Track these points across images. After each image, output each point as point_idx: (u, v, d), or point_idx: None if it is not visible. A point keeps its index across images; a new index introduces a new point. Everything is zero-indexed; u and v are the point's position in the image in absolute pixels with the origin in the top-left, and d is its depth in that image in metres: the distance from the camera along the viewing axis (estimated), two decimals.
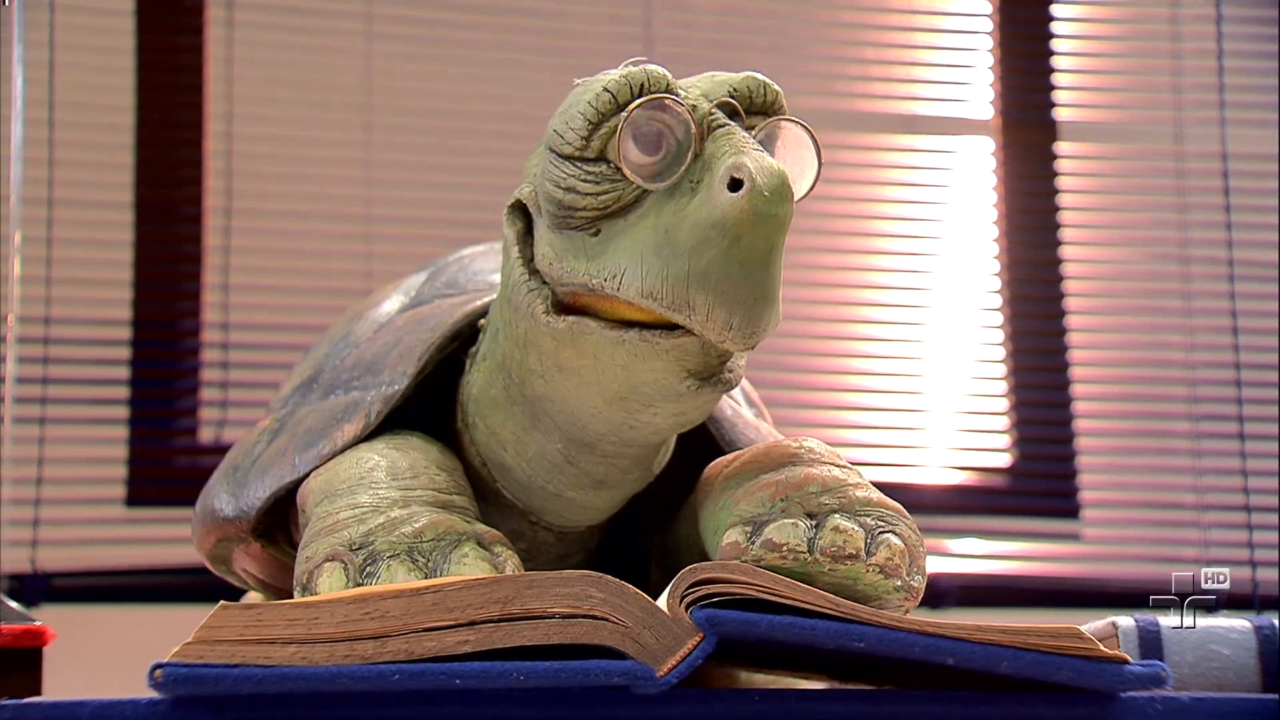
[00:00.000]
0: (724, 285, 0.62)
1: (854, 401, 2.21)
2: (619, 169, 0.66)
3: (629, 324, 0.66)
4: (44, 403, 1.99)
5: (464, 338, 0.81)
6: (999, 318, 2.25)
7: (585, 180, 0.67)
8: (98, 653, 1.38)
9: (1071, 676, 0.61)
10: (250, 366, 2.04)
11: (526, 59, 2.15)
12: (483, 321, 0.79)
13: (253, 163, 2.10)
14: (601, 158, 0.67)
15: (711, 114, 0.66)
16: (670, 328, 0.65)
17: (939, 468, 2.19)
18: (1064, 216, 2.30)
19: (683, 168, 0.65)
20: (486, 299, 0.82)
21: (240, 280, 2.07)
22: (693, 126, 0.65)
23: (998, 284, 2.26)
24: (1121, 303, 2.29)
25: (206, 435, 2.05)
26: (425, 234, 2.07)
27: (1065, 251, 2.29)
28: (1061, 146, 2.31)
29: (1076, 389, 2.25)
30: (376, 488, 0.72)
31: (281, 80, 2.12)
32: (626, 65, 0.69)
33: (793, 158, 0.68)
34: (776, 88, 0.69)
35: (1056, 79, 2.34)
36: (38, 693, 0.72)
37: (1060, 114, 2.33)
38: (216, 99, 2.10)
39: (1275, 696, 0.68)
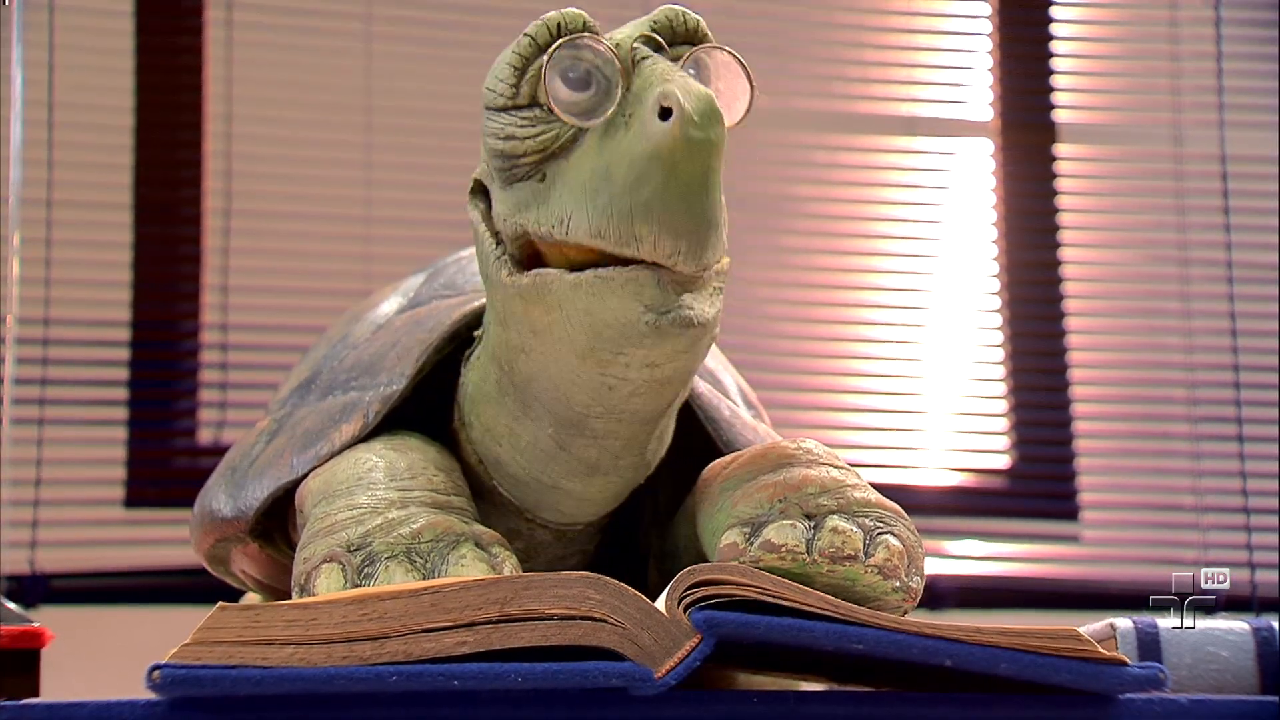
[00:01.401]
0: (666, 215, 0.63)
1: (853, 403, 2.21)
2: (551, 110, 0.67)
3: (584, 266, 0.66)
4: (43, 404, 1.99)
5: (461, 339, 0.81)
6: (998, 319, 2.25)
7: (522, 125, 0.69)
8: (96, 654, 1.38)
9: (1070, 678, 0.61)
10: (249, 367, 2.04)
11: None
12: (476, 333, 0.79)
13: (252, 164, 2.10)
14: (534, 103, 0.69)
15: (634, 48, 0.67)
16: (623, 263, 0.65)
17: (938, 469, 2.19)
18: (1063, 218, 2.30)
19: (614, 104, 0.66)
20: (484, 300, 0.82)
21: (239, 281, 2.07)
22: (617, 62, 0.66)
23: (997, 285, 2.26)
24: (1120, 304, 2.29)
25: (205, 436, 2.05)
26: (424, 235, 2.07)
27: (1064, 253, 2.29)
28: (1061, 148, 2.32)
29: (1075, 391, 2.25)
30: (374, 489, 0.71)
31: (281, 81, 2.13)
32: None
33: (725, 85, 0.69)
34: (696, 16, 0.70)
35: (1056, 81, 2.34)
36: (36, 694, 0.72)
37: (1059, 116, 2.33)
38: (216, 100, 2.10)
39: (1273, 698, 0.68)
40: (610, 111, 0.66)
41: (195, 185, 2.09)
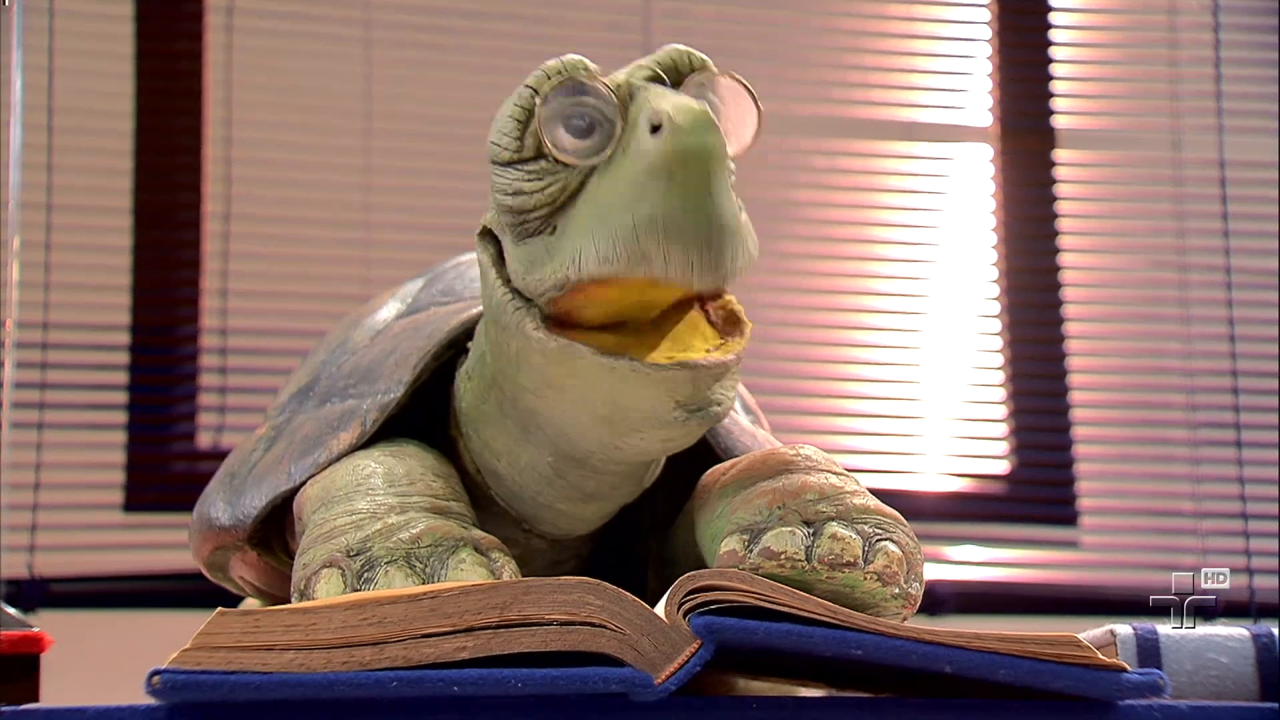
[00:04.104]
0: (671, 226, 0.62)
1: (852, 408, 2.21)
2: (556, 159, 0.66)
3: (619, 348, 0.66)
4: (42, 408, 1.99)
5: (460, 345, 0.81)
6: (997, 324, 2.25)
7: (529, 179, 0.68)
8: (96, 659, 1.38)
9: (1069, 684, 0.61)
10: (248, 372, 2.04)
11: (525, 66, 2.13)
12: (470, 344, 0.79)
13: (251, 168, 2.10)
14: (539, 154, 0.68)
15: (632, 85, 0.66)
16: (661, 362, 0.65)
17: (937, 474, 2.19)
18: (1062, 224, 2.30)
19: (615, 141, 0.65)
20: (482, 306, 0.82)
21: (238, 286, 2.07)
22: (614, 99, 0.65)
23: (996, 290, 2.26)
24: (1119, 310, 2.29)
25: (204, 440, 2.05)
26: (423, 240, 2.07)
27: (1063, 258, 2.29)
28: (1060, 154, 2.32)
29: (1075, 396, 2.25)
30: (373, 494, 0.71)
31: (280, 86, 2.13)
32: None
33: (732, 111, 0.69)
34: (702, 55, 0.69)
35: (1055, 86, 2.34)
36: (35, 699, 0.72)
37: (1059, 121, 2.33)
38: (215, 104, 2.10)
39: (1273, 705, 0.68)
40: (612, 148, 0.65)
41: (194, 189, 2.09)
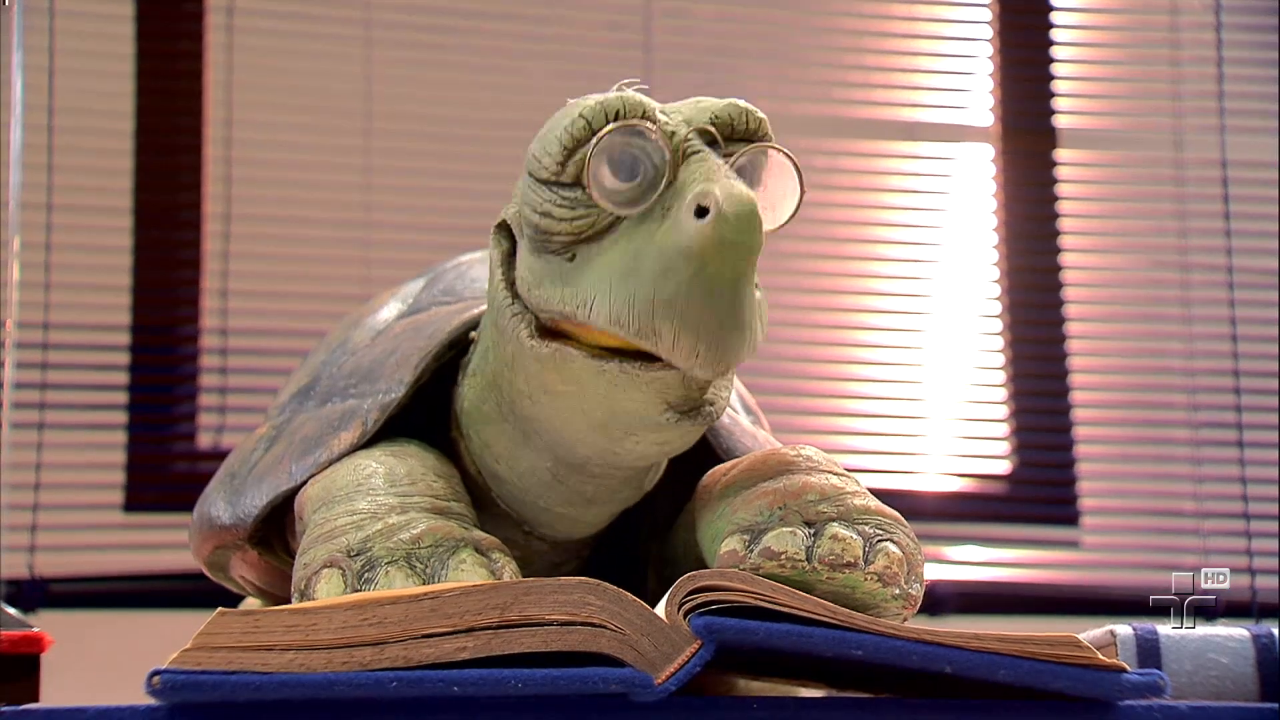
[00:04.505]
0: (689, 313, 0.62)
1: (853, 408, 2.21)
2: (592, 196, 0.66)
3: (610, 353, 0.66)
4: (42, 408, 1.99)
5: (461, 345, 0.81)
6: (998, 324, 2.25)
7: (560, 205, 0.67)
8: (96, 659, 1.38)
9: (1069, 685, 0.61)
10: (249, 372, 2.04)
11: (526, 66, 2.15)
12: (473, 334, 0.79)
13: (252, 168, 2.10)
14: (577, 183, 0.67)
15: (688, 140, 0.66)
16: (650, 359, 0.65)
17: (938, 474, 2.19)
18: (1064, 224, 2.30)
19: (656, 194, 0.65)
20: (483, 307, 0.82)
21: (239, 286, 2.07)
22: (667, 153, 0.65)
23: (997, 290, 2.26)
24: (1121, 310, 2.29)
25: (205, 441, 2.05)
26: (424, 240, 2.07)
27: (1065, 258, 2.29)
28: (1061, 154, 2.32)
29: (1076, 396, 2.25)
30: (374, 494, 0.71)
31: (281, 86, 2.13)
32: (619, 88, 0.70)
33: (774, 185, 0.69)
34: (760, 115, 0.69)
35: (1056, 86, 2.34)
36: (36, 699, 0.72)
37: (1060, 121, 2.33)
38: (216, 104, 2.10)
39: (1273, 705, 0.68)
40: (651, 202, 0.65)
41: (195, 189, 2.09)
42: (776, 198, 0.68)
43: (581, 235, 0.67)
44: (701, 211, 0.61)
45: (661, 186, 0.65)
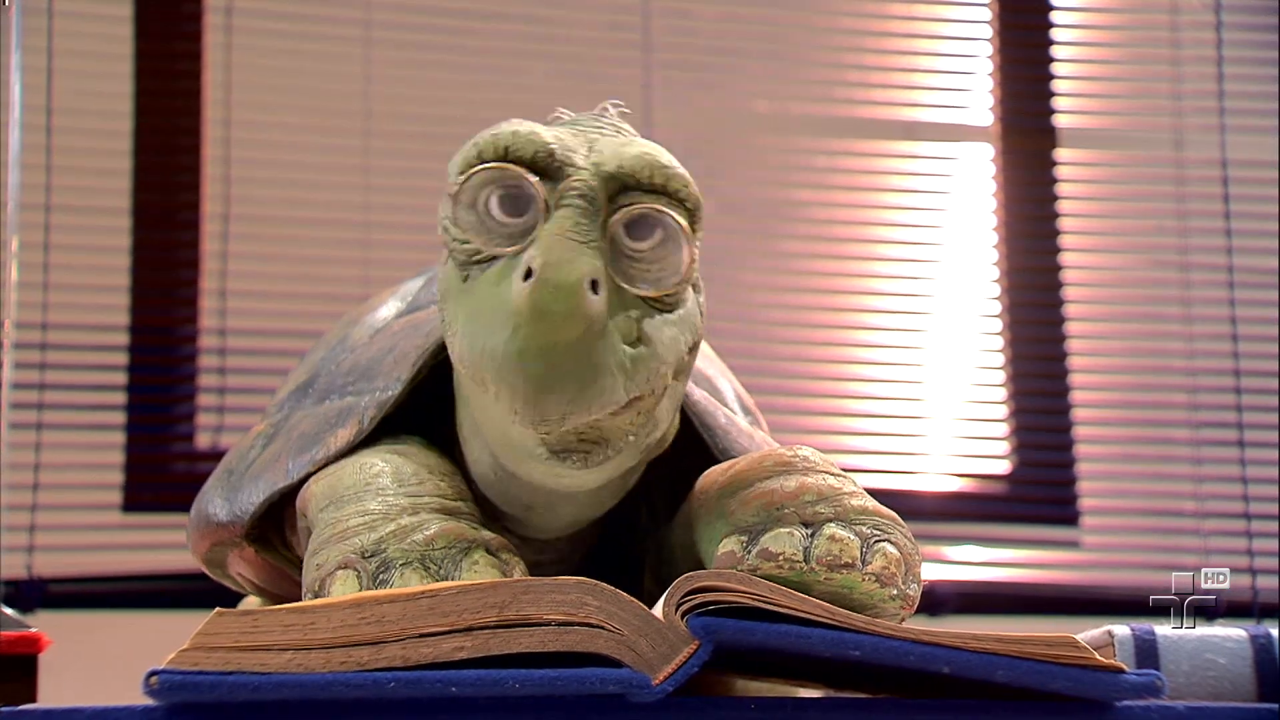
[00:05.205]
0: (504, 370, 0.63)
1: (852, 408, 2.21)
2: (483, 222, 0.67)
3: None
4: (41, 408, 1.98)
5: None
6: (998, 324, 2.25)
7: (455, 224, 0.68)
8: (94, 659, 1.38)
9: (1067, 685, 0.61)
10: (247, 372, 2.04)
11: (525, 66, 2.15)
12: None
13: (250, 169, 2.10)
14: (472, 206, 0.68)
15: (571, 187, 0.66)
16: None
17: (937, 474, 2.19)
18: (1064, 223, 2.30)
19: (532, 238, 0.65)
20: None
21: (237, 286, 2.07)
22: (540, 199, 0.66)
23: (997, 290, 2.26)
24: (1121, 309, 2.29)
25: (203, 441, 2.05)
26: (422, 240, 2.06)
27: (1065, 258, 2.28)
28: (1061, 153, 2.31)
29: (1076, 396, 2.25)
30: (384, 494, 0.72)
31: (280, 86, 2.13)
32: (601, 109, 0.72)
33: (667, 247, 0.68)
34: (671, 172, 0.68)
35: (1056, 86, 2.34)
36: (33, 700, 0.72)
37: (1060, 121, 2.33)
38: (214, 105, 2.10)
39: (1271, 705, 0.68)
40: (521, 246, 0.65)
41: (193, 190, 2.09)
42: (667, 263, 0.68)
43: (473, 258, 0.67)
44: (529, 274, 0.62)
45: (536, 231, 0.65)
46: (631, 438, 0.69)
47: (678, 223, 0.68)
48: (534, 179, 0.66)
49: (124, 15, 2.10)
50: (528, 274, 0.62)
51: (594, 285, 0.63)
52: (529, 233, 0.66)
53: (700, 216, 0.69)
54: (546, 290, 0.61)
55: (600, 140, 0.69)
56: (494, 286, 0.65)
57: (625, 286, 0.66)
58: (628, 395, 0.65)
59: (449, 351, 0.68)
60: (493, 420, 0.68)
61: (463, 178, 0.67)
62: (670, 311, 0.68)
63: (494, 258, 0.67)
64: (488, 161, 0.67)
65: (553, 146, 0.67)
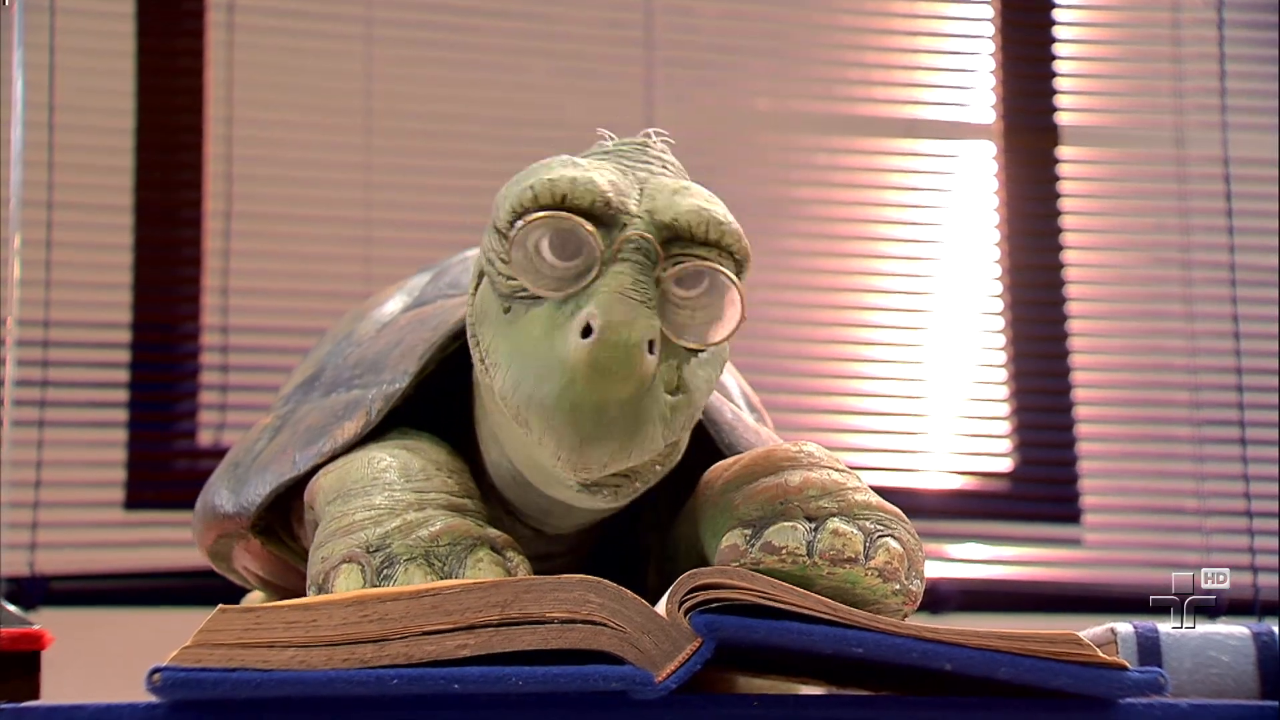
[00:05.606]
0: (554, 420, 0.63)
1: (855, 405, 2.21)
2: (531, 262, 0.66)
3: None
4: (43, 405, 1.98)
5: (465, 338, 0.81)
6: (1000, 322, 2.25)
7: (504, 260, 0.68)
8: (96, 656, 1.38)
9: (1069, 682, 0.61)
10: (249, 369, 2.04)
11: (527, 64, 2.15)
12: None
13: (252, 166, 2.10)
14: (521, 244, 0.67)
15: (628, 240, 0.66)
16: None
17: (940, 472, 2.19)
18: (1065, 221, 2.29)
19: (582, 286, 0.65)
20: None
21: (240, 283, 2.07)
22: (598, 250, 0.65)
23: (999, 288, 2.26)
24: (1123, 307, 2.29)
25: (206, 438, 2.05)
26: (425, 238, 2.06)
27: (1067, 256, 2.28)
28: (1063, 151, 2.31)
29: (1078, 393, 2.25)
30: (391, 489, 0.72)
31: (282, 83, 2.12)
32: (644, 135, 0.71)
33: (716, 301, 0.68)
34: (726, 228, 0.68)
35: (1058, 84, 2.33)
36: (36, 697, 0.72)
37: (1062, 119, 2.33)
38: (217, 102, 2.10)
39: (1274, 703, 0.68)
40: (577, 289, 0.65)
41: (196, 187, 2.09)
42: (712, 314, 0.68)
43: (516, 293, 0.68)
44: (587, 330, 0.62)
45: (590, 279, 0.65)
46: (659, 468, 0.70)
47: (729, 277, 0.68)
48: (590, 227, 0.66)
49: (126, 12, 2.10)
50: (586, 330, 0.62)
51: (650, 345, 0.63)
52: (579, 278, 0.65)
53: (748, 268, 0.70)
54: (606, 350, 0.62)
55: (650, 181, 0.69)
56: (544, 332, 0.65)
57: (672, 338, 0.66)
58: (665, 443, 0.67)
59: (484, 379, 0.69)
60: (525, 451, 0.69)
61: (520, 224, 0.66)
62: (705, 350, 0.69)
63: (538, 296, 0.67)
64: (545, 206, 0.66)
65: (609, 195, 0.67)
